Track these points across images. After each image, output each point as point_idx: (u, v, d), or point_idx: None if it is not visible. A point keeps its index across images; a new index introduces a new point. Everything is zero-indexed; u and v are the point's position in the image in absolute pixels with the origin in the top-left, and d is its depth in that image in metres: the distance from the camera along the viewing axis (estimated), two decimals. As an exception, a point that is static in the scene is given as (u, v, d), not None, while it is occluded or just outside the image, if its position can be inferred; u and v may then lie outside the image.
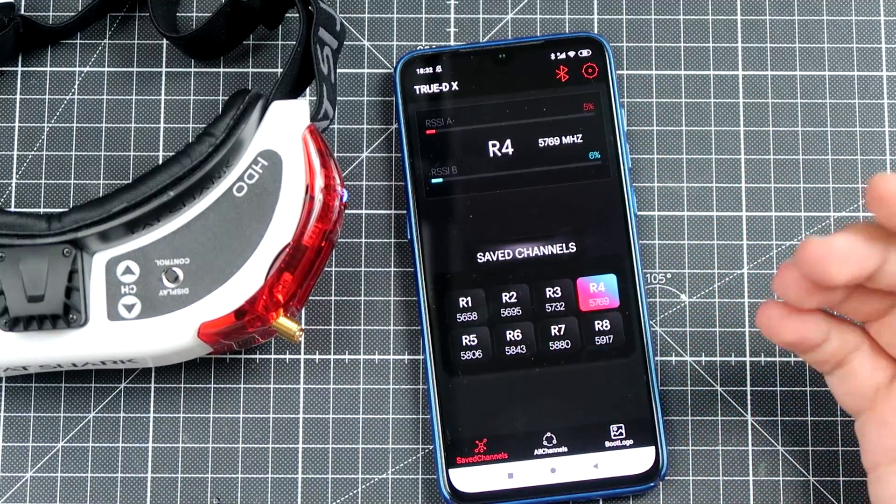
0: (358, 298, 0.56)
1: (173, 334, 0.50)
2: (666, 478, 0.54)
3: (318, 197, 0.50)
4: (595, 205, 0.55)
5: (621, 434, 0.53)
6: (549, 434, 0.53)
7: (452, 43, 0.58)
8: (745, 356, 0.55)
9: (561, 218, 0.55)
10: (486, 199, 0.55)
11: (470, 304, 0.54)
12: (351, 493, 0.54)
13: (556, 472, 0.53)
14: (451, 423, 0.54)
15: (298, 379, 0.55)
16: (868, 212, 0.57)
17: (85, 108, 0.57)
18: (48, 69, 0.58)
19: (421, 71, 0.56)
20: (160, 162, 0.56)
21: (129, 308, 0.50)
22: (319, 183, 0.50)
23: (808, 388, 0.55)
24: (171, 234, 0.50)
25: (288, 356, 0.56)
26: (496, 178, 0.55)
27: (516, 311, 0.54)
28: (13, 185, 0.57)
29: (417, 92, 0.56)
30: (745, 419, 0.55)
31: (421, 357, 0.55)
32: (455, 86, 0.56)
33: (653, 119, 0.57)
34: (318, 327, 0.56)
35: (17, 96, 0.58)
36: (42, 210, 0.57)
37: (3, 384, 0.55)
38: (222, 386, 0.55)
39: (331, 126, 0.56)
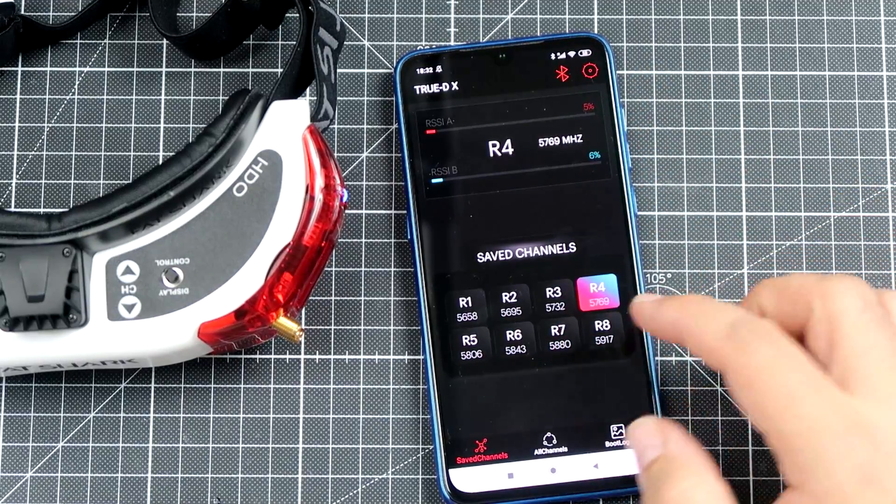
0: (358, 298, 0.56)
1: (173, 334, 0.50)
2: (666, 478, 0.54)
3: (318, 197, 0.50)
4: (595, 205, 0.55)
5: (621, 434, 0.53)
6: (549, 434, 0.53)
7: (452, 43, 0.58)
8: (745, 356, 0.55)
9: (561, 218, 0.55)
10: (486, 199, 0.55)
11: (470, 304, 0.54)
12: (351, 493, 0.54)
13: (557, 472, 0.53)
14: (451, 423, 0.54)
15: (298, 379, 0.55)
16: (868, 212, 0.57)
17: (85, 108, 0.57)
18: (48, 69, 0.58)
19: (421, 71, 0.56)
20: (160, 162, 0.56)
21: (130, 308, 0.50)
22: (319, 183, 0.50)
23: (808, 388, 0.55)
24: (171, 234, 0.50)
25: (288, 356, 0.56)
26: (496, 178, 0.55)
27: (516, 311, 0.54)
28: (13, 185, 0.57)
29: (417, 92, 0.56)
30: (744, 419, 0.55)
31: (421, 357, 0.55)
32: (455, 86, 0.56)
33: (653, 119, 0.57)
34: (318, 327, 0.56)
35: (18, 96, 0.58)
36: (42, 210, 0.57)
37: (4, 384, 0.55)
38: (222, 386, 0.55)
39: (331, 126, 0.56)
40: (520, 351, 0.54)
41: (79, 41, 0.58)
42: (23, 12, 0.58)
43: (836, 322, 0.46)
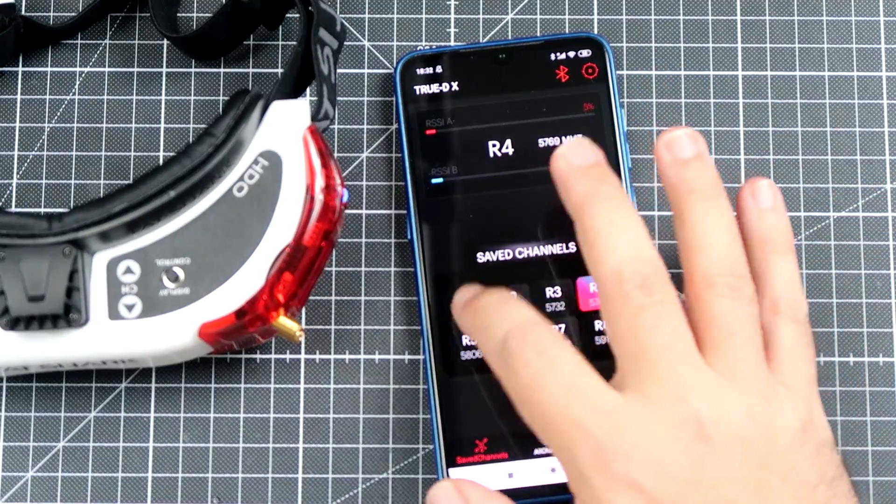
0: (358, 298, 0.56)
1: (174, 334, 0.50)
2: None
3: (319, 197, 0.50)
4: (595, 205, 0.55)
5: (621, 434, 0.53)
6: (549, 434, 0.53)
7: (452, 43, 0.58)
8: (744, 356, 0.55)
9: (561, 218, 0.55)
10: (487, 199, 0.55)
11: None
12: (351, 493, 0.55)
13: (557, 471, 0.53)
14: (451, 423, 0.54)
15: (298, 379, 0.55)
16: (868, 212, 0.57)
17: (85, 108, 0.57)
18: (49, 69, 0.58)
19: (421, 71, 0.56)
20: (160, 162, 0.56)
21: (130, 308, 0.50)
22: (320, 183, 0.50)
23: (808, 388, 0.55)
24: (171, 234, 0.50)
25: (288, 356, 0.56)
26: (496, 178, 0.55)
27: (516, 310, 0.54)
28: (14, 185, 0.57)
29: (417, 92, 0.56)
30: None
31: (421, 357, 0.55)
32: (455, 86, 0.56)
33: (653, 119, 0.58)
34: (318, 327, 0.56)
35: (18, 96, 0.58)
36: (42, 210, 0.57)
37: (4, 384, 0.55)
38: (222, 386, 0.55)
39: (331, 126, 0.56)
40: (520, 351, 0.54)
41: (79, 41, 0.58)
42: (23, 12, 0.58)
43: (611, 318, 0.46)
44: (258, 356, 0.56)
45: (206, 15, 0.58)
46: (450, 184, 0.56)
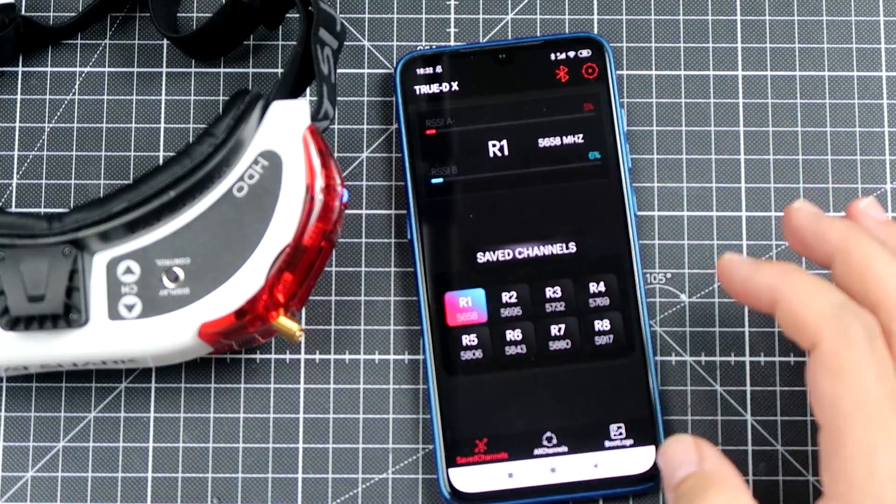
0: (358, 298, 0.56)
1: (174, 334, 0.50)
2: (666, 477, 0.54)
3: (319, 197, 0.50)
4: (595, 205, 0.55)
5: (621, 434, 0.53)
6: (549, 434, 0.53)
7: (452, 43, 0.58)
8: (744, 356, 0.55)
9: (561, 218, 0.55)
10: (486, 198, 0.55)
11: (470, 304, 0.54)
12: (351, 493, 0.55)
13: (556, 471, 0.53)
14: (451, 423, 0.54)
15: (298, 379, 0.55)
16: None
17: (85, 108, 0.57)
18: (49, 69, 0.58)
19: (421, 71, 0.56)
20: (160, 162, 0.56)
21: (130, 308, 0.50)
22: (320, 183, 0.50)
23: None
24: (171, 234, 0.50)
25: (288, 356, 0.56)
26: (496, 178, 0.55)
27: (516, 311, 0.54)
28: (13, 185, 0.57)
29: (417, 92, 0.56)
30: (745, 419, 0.55)
31: (421, 357, 0.55)
32: (455, 86, 0.56)
33: (653, 119, 0.58)
34: (318, 327, 0.56)
35: (18, 96, 0.58)
36: (42, 210, 0.57)
37: (4, 384, 0.55)
38: (222, 386, 0.55)
39: (331, 126, 0.56)
40: (520, 351, 0.54)
41: (79, 41, 0.58)
42: (23, 12, 0.58)
43: None
44: (258, 356, 0.56)
45: (206, 15, 0.58)
46: (450, 184, 0.56)
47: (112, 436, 0.55)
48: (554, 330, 0.54)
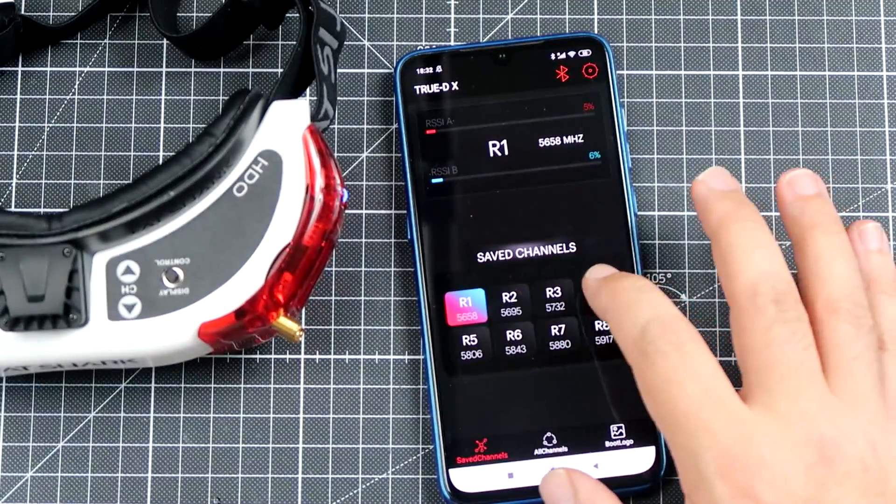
0: (358, 298, 0.56)
1: (173, 334, 0.50)
2: (666, 478, 0.53)
3: (319, 197, 0.50)
4: (595, 205, 0.55)
5: (621, 434, 0.53)
6: (549, 434, 0.53)
7: (452, 43, 0.58)
8: (745, 356, 0.55)
9: (561, 218, 0.55)
10: (487, 198, 0.55)
11: (470, 304, 0.54)
12: (351, 493, 0.55)
13: (556, 471, 0.53)
14: (451, 423, 0.54)
15: (298, 379, 0.55)
16: (868, 212, 0.57)
17: (85, 108, 0.57)
18: (48, 69, 0.58)
19: (421, 71, 0.56)
20: (160, 162, 0.56)
21: (130, 308, 0.50)
22: (319, 183, 0.50)
23: (808, 388, 0.55)
24: (171, 234, 0.50)
25: (288, 356, 0.56)
26: (496, 178, 0.55)
27: (516, 311, 0.54)
28: (13, 185, 0.57)
29: (417, 92, 0.56)
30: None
31: (421, 357, 0.55)
32: (455, 86, 0.56)
33: (653, 119, 0.57)
34: (318, 327, 0.56)
35: (18, 96, 0.58)
36: (42, 210, 0.57)
37: (4, 384, 0.55)
38: (222, 386, 0.55)
39: (331, 126, 0.56)
40: (520, 351, 0.54)
41: (79, 41, 0.58)
42: (23, 12, 0.58)
43: (746, 331, 0.47)
44: (258, 356, 0.56)
45: (206, 15, 0.58)
46: (450, 184, 0.55)
47: (112, 436, 0.55)
48: (554, 330, 0.54)
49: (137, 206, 0.50)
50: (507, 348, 0.54)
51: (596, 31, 0.58)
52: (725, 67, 0.58)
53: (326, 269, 0.56)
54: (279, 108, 0.51)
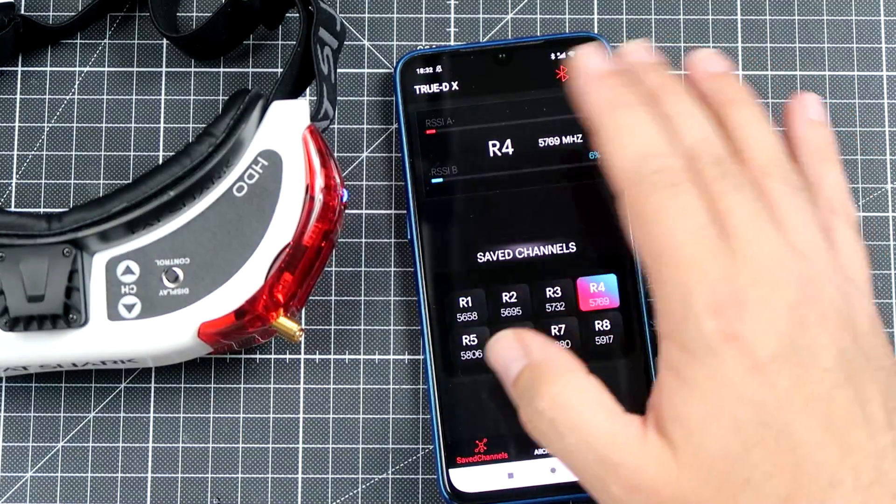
0: (358, 298, 0.56)
1: (173, 334, 0.50)
2: (666, 478, 0.53)
3: (319, 197, 0.50)
4: (595, 205, 0.55)
5: (621, 434, 0.53)
6: (549, 434, 0.53)
7: (452, 43, 0.58)
8: (745, 356, 0.55)
9: (561, 218, 0.55)
10: (487, 199, 0.55)
11: (470, 304, 0.54)
12: (351, 493, 0.55)
13: (557, 472, 0.53)
14: (451, 423, 0.54)
15: (298, 379, 0.55)
16: (868, 212, 0.57)
17: (85, 108, 0.57)
18: (48, 69, 0.58)
19: (421, 71, 0.56)
20: (160, 162, 0.56)
21: (130, 308, 0.50)
22: (319, 183, 0.50)
23: (808, 388, 0.55)
24: (171, 234, 0.50)
25: (288, 356, 0.56)
26: (496, 178, 0.55)
27: (516, 311, 0.54)
28: (13, 185, 0.57)
29: (417, 92, 0.56)
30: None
31: (421, 357, 0.55)
32: (455, 86, 0.56)
33: (653, 119, 0.57)
34: (318, 327, 0.56)
35: (17, 96, 0.58)
36: (42, 210, 0.57)
37: (3, 384, 0.55)
38: (222, 386, 0.55)
39: (331, 126, 0.56)
40: (520, 351, 0.54)
41: (79, 41, 0.58)
42: (23, 12, 0.58)
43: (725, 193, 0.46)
44: (258, 356, 0.56)
45: (206, 15, 0.58)
46: (450, 184, 0.55)
47: (112, 436, 0.55)
48: (554, 330, 0.54)
49: (137, 206, 0.50)
50: (507, 348, 0.54)
51: (596, 31, 0.58)
52: (725, 67, 0.58)
53: (326, 269, 0.56)
54: (279, 108, 0.51)
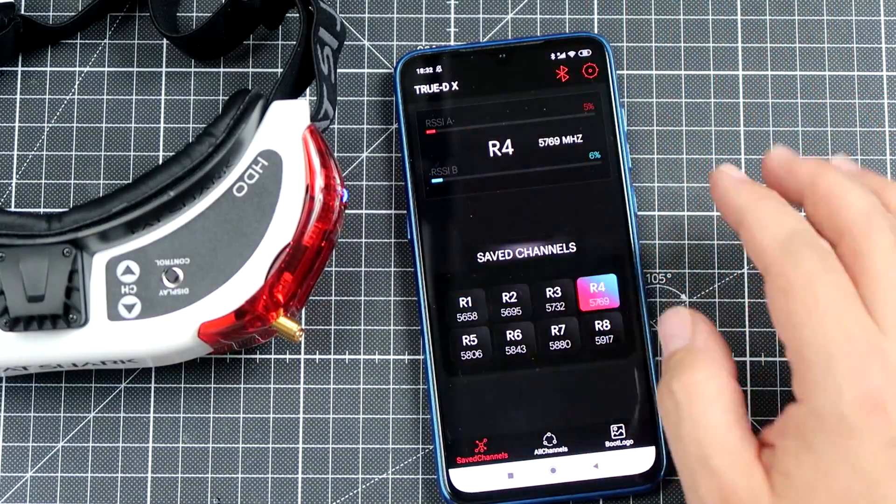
0: (358, 298, 0.56)
1: (173, 334, 0.50)
2: (666, 478, 0.54)
3: (318, 197, 0.50)
4: (595, 205, 0.55)
5: (621, 434, 0.53)
6: (549, 434, 0.53)
7: (452, 43, 0.58)
8: (745, 356, 0.55)
9: (561, 218, 0.55)
10: (487, 199, 0.55)
11: (470, 304, 0.54)
12: (351, 493, 0.55)
13: (557, 472, 0.53)
14: (451, 423, 0.54)
15: (298, 379, 0.55)
16: (868, 212, 0.57)
17: (85, 108, 0.57)
18: (48, 69, 0.58)
19: (421, 71, 0.56)
20: (160, 162, 0.56)
21: (130, 308, 0.50)
22: (319, 183, 0.50)
23: (808, 388, 0.55)
24: (171, 234, 0.50)
25: (288, 356, 0.56)
26: (496, 178, 0.55)
27: (516, 311, 0.54)
28: (13, 185, 0.57)
29: (417, 92, 0.56)
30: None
31: (421, 357, 0.55)
32: (455, 86, 0.56)
33: (653, 119, 0.57)
34: (318, 327, 0.56)
35: (18, 96, 0.58)
36: (42, 210, 0.57)
37: (3, 384, 0.55)
38: (222, 386, 0.55)
39: (331, 126, 0.56)
40: (520, 351, 0.54)
41: (79, 41, 0.58)
42: (23, 12, 0.58)
43: (866, 254, 0.46)
44: (258, 356, 0.56)
45: (206, 15, 0.58)
46: (450, 184, 0.55)
47: (112, 436, 0.55)
48: (554, 330, 0.54)
49: (137, 206, 0.50)
50: (507, 348, 0.54)
51: (596, 31, 0.58)
52: (725, 67, 0.58)
53: (326, 269, 0.56)
54: (279, 108, 0.51)
